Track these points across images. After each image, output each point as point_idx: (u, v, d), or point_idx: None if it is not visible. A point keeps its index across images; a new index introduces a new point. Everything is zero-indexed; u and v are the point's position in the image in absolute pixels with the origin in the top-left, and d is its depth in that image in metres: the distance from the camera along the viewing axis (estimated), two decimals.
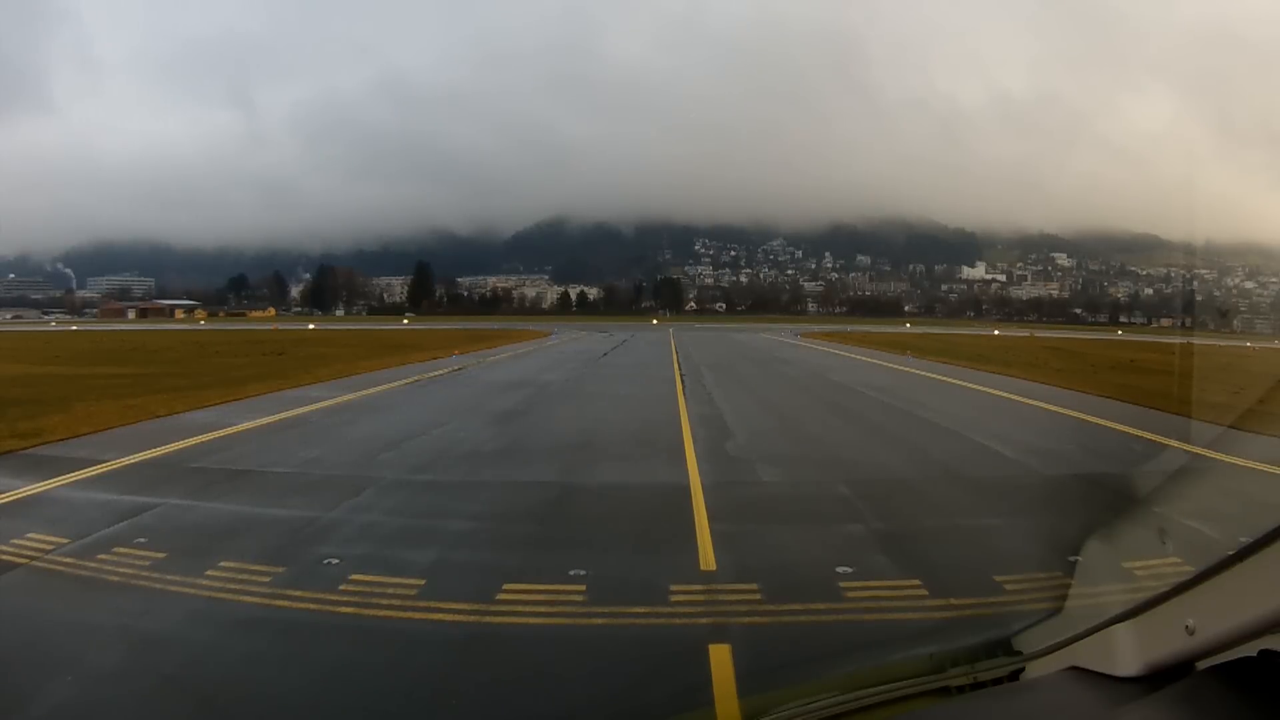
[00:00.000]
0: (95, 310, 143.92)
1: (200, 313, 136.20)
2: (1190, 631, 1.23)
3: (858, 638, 4.04)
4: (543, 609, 4.43)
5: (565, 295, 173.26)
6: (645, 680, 3.71)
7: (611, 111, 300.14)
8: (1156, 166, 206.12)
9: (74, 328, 74.57)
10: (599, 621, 4.27)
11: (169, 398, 14.04)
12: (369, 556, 5.35)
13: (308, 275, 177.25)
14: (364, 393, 15.76)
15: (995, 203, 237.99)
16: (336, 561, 5.21)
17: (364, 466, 8.43)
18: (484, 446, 9.80)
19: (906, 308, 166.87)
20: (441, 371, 21.57)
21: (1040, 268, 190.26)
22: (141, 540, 5.62)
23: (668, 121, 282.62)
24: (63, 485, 7.44)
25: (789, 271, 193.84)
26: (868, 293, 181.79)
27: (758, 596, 4.58)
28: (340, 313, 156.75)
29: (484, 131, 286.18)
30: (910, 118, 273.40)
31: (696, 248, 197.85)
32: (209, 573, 4.94)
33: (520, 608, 4.46)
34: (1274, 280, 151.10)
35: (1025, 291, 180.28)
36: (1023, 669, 1.64)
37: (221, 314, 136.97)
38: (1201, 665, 1.27)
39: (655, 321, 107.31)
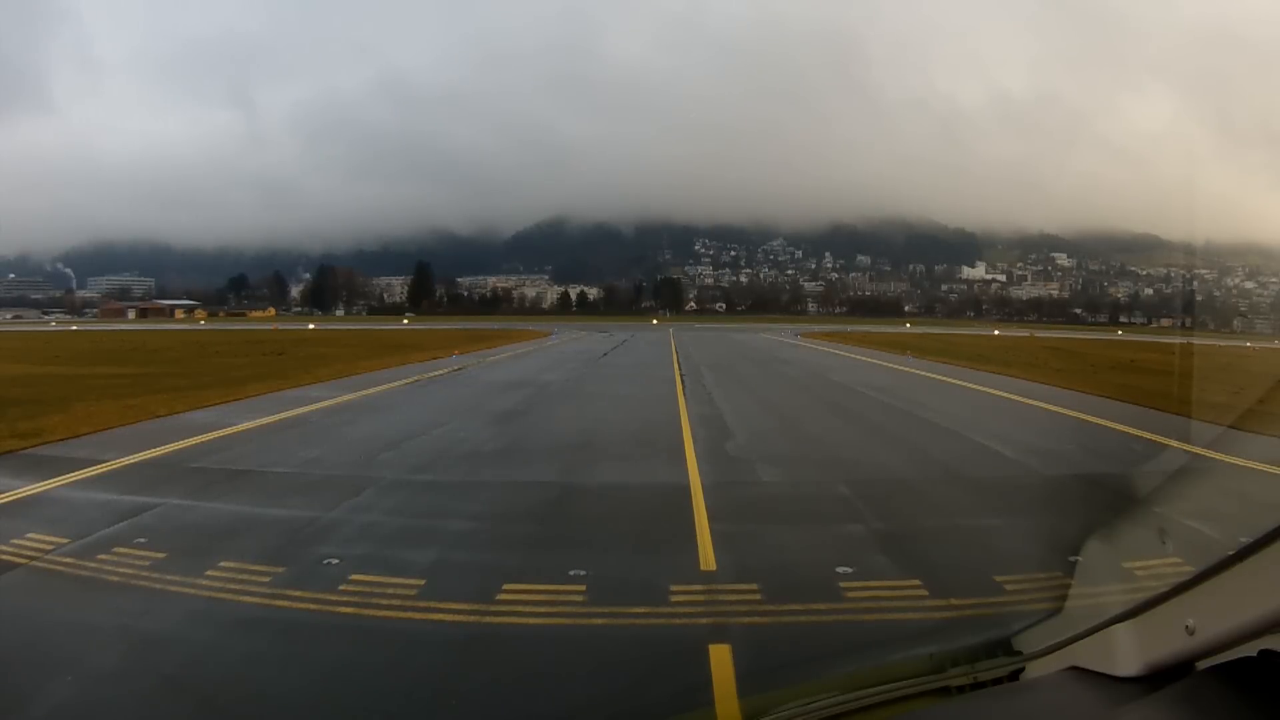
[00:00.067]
0: (95, 310, 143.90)
1: (200, 313, 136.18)
2: (1190, 631, 1.23)
3: (858, 638, 4.04)
4: (543, 609, 4.43)
5: (565, 295, 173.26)
6: (645, 680, 3.71)
7: (611, 111, 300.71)
8: (1156, 166, 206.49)
9: (74, 328, 74.58)
10: (599, 621, 4.27)
11: (169, 398, 14.04)
12: (369, 556, 5.35)
13: (308, 275, 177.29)
14: (364, 393, 15.76)
15: (995, 203, 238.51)
16: (336, 561, 5.21)
17: (364, 466, 8.43)
18: (484, 446, 9.79)
19: (906, 308, 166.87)
20: (441, 371, 21.56)
21: (1040, 268, 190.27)
22: (141, 540, 5.62)
23: (668, 121, 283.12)
24: (63, 485, 7.44)
25: (789, 271, 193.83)
26: (868, 293, 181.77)
27: (758, 596, 4.58)
28: (340, 313, 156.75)
29: (484, 131, 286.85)
30: (910, 118, 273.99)
31: (696, 248, 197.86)
32: (209, 573, 4.94)
33: (520, 608, 4.46)
34: (1274, 280, 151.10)
35: (1025, 291, 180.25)
36: (1023, 669, 1.64)
37: (221, 314, 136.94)
38: (1201, 665, 1.27)
39: (655, 321, 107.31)
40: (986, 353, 33.59)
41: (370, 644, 4.05)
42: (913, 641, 3.97)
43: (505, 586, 4.72)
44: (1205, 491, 6.24)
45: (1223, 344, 45.58)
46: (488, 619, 4.32)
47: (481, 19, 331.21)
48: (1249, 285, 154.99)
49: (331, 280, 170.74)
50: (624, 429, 11.36)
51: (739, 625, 4.21)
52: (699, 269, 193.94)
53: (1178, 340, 50.80)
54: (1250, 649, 1.19)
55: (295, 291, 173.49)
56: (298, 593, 4.65)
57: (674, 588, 4.70)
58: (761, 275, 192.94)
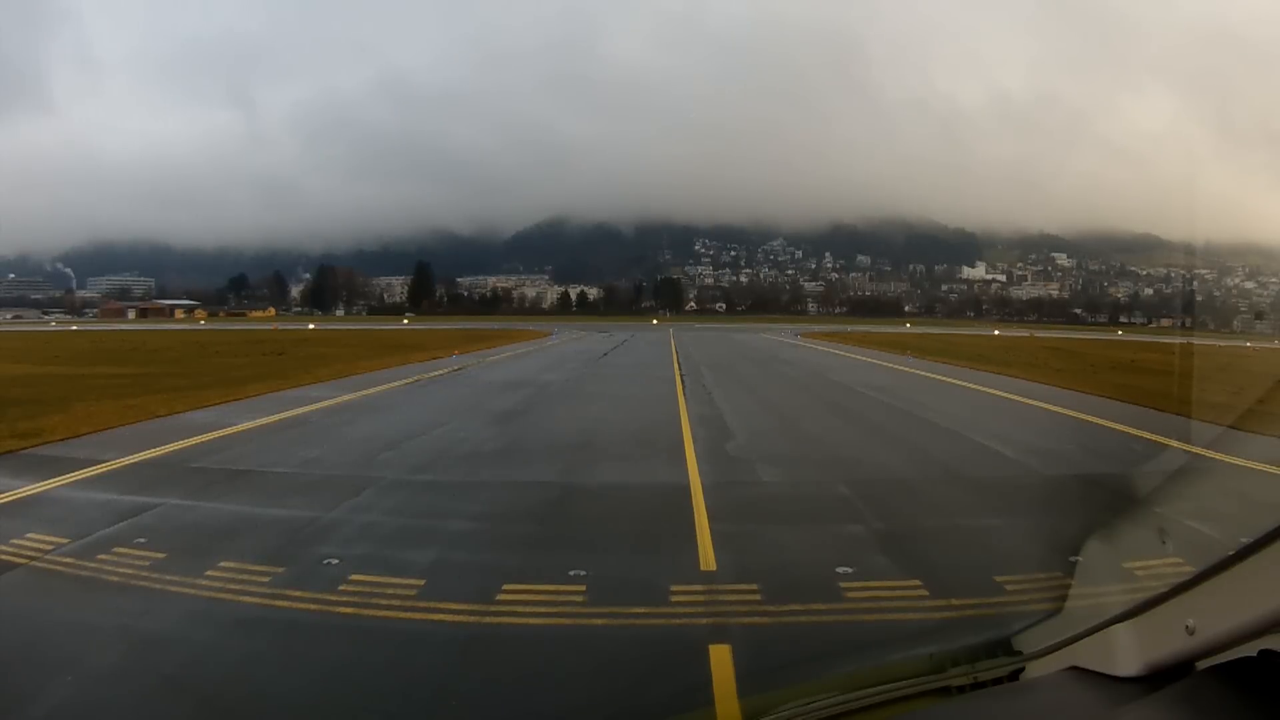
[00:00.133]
0: (95, 310, 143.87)
1: (200, 313, 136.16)
2: (1190, 631, 1.23)
3: (858, 638, 4.04)
4: (543, 609, 4.43)
5: (565, 295, 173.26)
6: (645, 680, 3.71)
7: (611, 111, 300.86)
8: (1156, 166, 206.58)
9: (74, 328, 74.57)
10: (599, 622, 4.26)
11: (169, 398, 14.04)
12: (369, 557, 5.35)
13: (308, 275, 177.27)
14: (364, 393, 15.76)
15: (995, 203, 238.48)
16: (336, 562, 5.21)
17: (364, 466, 8.43)
18: (484, 446, 9.79)
19: (906, 308, 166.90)
20: (441, 371, 21.56)
21: (1040, 268, 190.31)
22: (141, 540, 5.62)
23: (668, 121, 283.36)
24: (63, 485, 7.44)
25: (789, 271, 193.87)
26: (868, 293, 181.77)
27: (758, 597, 4.58)
28: (340, 313, 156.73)
29: (484, 131, 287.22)
30: (910, 118, 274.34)
31: (696, 248, 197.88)
32: (209, 573, 4.94)
33: (520, 608, 4.45)
34: (1274, 280, 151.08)
35: (1025, 291, 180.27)
36: (1023, 669, 1.64)
37: (221, 314, 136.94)
38: (1201, 665, 1.27)
39: (655, 321, 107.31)
40: (986, 353, 33.59)
41: (370, 644, 4.04)
42: (913, 641, 3.97)
43: (505, 587, 4.72)
44: (1205, 491, 6.24)
45: (1223, 344, 45.56)
46: (488, 619, 4.32)
47: (481, 19, 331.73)
48: (1249, 285, 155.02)
49: (331, 280, 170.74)
50: (624, 429, 11.35)
51: (739, 625, 4.21)
52: (699, 269, 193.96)
53: (1178, 340, 50.80)
54: (1250, 649, 1.19)
55: (295, 291, 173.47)
56: (297, 593, 4.65)
57: (674, 588, 4.70)
58: (761, 275, 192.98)
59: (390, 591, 4.67)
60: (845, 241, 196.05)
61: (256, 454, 9.17)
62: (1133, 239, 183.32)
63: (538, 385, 17.94)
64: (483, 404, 14.18)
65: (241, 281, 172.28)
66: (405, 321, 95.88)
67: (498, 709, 3.50)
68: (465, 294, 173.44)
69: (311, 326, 73.06)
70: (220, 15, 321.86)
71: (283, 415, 12.28)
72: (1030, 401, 15.15)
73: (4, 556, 5.28)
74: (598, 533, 6.19)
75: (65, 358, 27.59)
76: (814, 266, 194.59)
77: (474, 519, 6.50)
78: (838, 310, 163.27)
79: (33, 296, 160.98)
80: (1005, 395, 16.29)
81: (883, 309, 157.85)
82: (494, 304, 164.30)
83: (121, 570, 5.03)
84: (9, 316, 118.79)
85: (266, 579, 4.86)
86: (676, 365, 24.41)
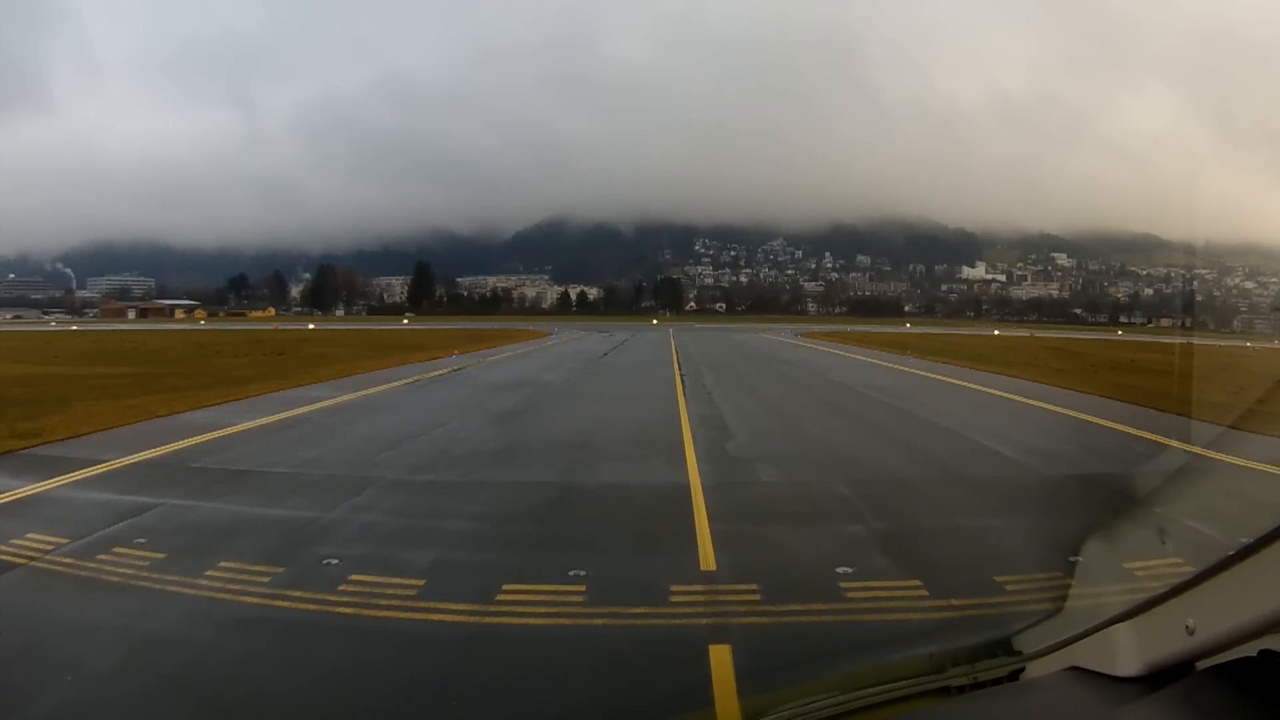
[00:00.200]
0: (95, 310, 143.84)
1: (200, 313, 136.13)
2: (1190, 631, 1.23)
3: (858, 638, 4.04)
4: (543, 609, 4.43)
5: (565, 295, 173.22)
6: (645, 680, 3.71)
7: (611, 111, 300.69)
8: (1156, 166, 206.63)
9: (74, 328, 74.56)
10: (599, 622, 4.26)
11: (169, 398, 14.04)
12: (369, 557, 5.35)
13: (308, 275, 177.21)
14: (364, 393, 15.76)
15: (995, 203, 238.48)
16: (336, 562, 5.21)
17: (364, 467, 8.43)
18: (484, 446, 9.79)
19: (906, 308, 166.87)
20: (441, 371, 21.57)
21: (1040, 268, 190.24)
22: (141, 540, 5.62)
23: (668, 121, 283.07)
24: (62, 485, 7.44)
25: (789, 271, 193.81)
26: (868, 293, 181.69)
27: (758, 597, 4.58)
28: (340, 313, 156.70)
29: (484, 131, 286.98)
30: (910, 118, 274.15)
31: (696, 248, 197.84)
32: (208, 573, 4.94)
33: (520, 608, 4.45)
34: (1274, 280, 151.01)
35: (1025, 291, 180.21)
36: (1023, 669, 1.64)
37: (221, 314, 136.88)
38: (1201, 665, 1.27)
39: (655, 321, 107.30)
40: (986, 353, 33.60)
41: (370, 644, 4.05)
42: (913, 641, 3.97)
43: (505, 587, 4.72)
44: (1205, 491, 6.25)
45: (1222, 344, 45.56)
46: (488, 619, 4.32)
47: (481, 19, 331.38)
48: (1249, 285, 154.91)
49: (331, 280, 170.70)
50: (624, 429, 11.36)
51: (739, 625, 4.21)
52: (699, 269, 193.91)
53: (1177, 340, 50.80)
54: (1250, 649, 1.19)
55: (295, 291, 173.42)
56: (297, 593, 4.65)
57: (674, 588, 4.70)
58: (761, 275, 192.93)
59: (390, 592, 4.67)
60: (845, 241, 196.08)
61: (256, 454, 9.17)
62: (1133, 239, 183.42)
63: (537, 385, 17.94)
64: (482, 404, 14.18)
65: (241, 281, 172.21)
66: (405, 321, 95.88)
67: (498, 709, 3.50)
68: (465, 294, 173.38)
69: (311, 326, 73.06)
70: (220, 15, 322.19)
71: (283, 415, 12.27)
72: (1030, 401, 15.15)
73: (4, 556, 5.28)
74: (598, 533, 6.19)
75: (65, 358, 27.59)
76: (814, 266, 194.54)
77: (474, 519, 6.50)
78: (838, 310, 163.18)
79: (33, 296, 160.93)
80: (1005, 395, 16.29)
81: (883, 309, 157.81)
82: (494, 304, 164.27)
83: (121, 570, 5.03)
84: (9, 316, 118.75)
85: (266, 579, 4.86)
86: (676, 365, 24.41)
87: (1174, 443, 9.61)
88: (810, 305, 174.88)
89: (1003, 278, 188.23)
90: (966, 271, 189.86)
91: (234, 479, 7.81)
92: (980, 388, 18.02)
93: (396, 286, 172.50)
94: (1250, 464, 7.76)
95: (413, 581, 4.82)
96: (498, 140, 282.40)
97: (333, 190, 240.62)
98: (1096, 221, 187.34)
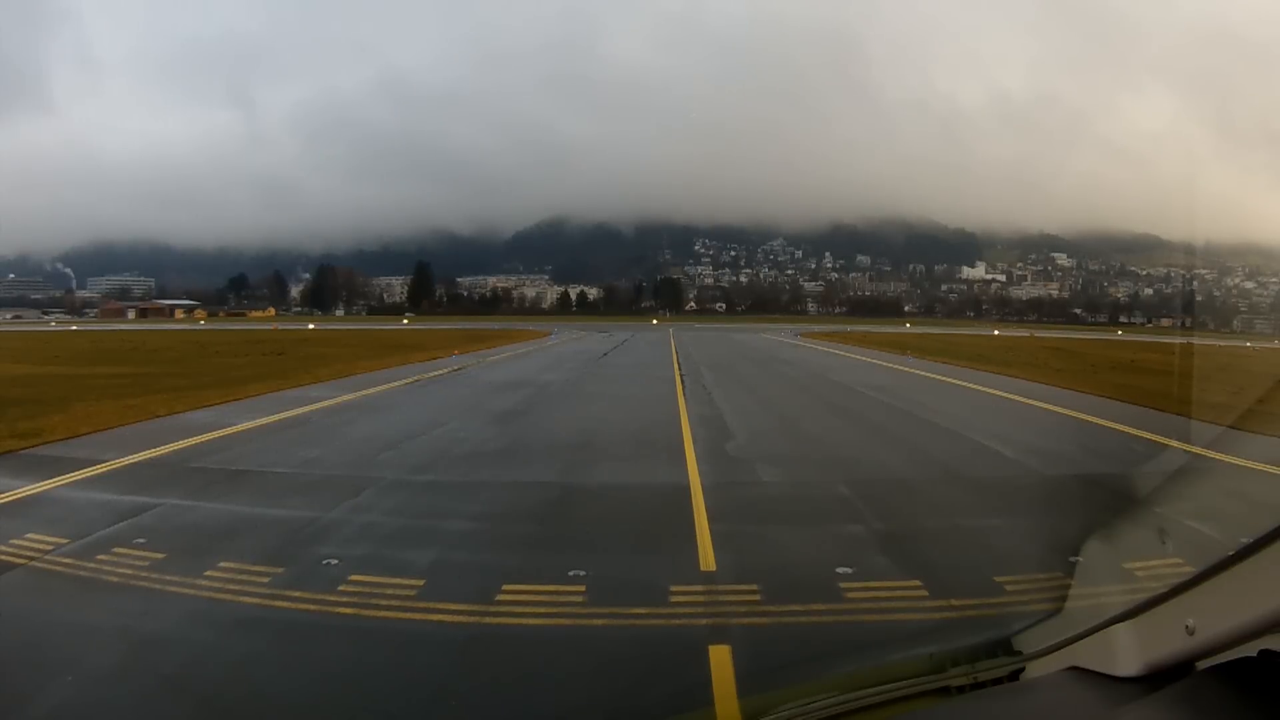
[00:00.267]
0: (95, 310, 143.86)
1: (200, 313, 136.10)
2: (1190, 631, 1.23)
3: (858, 638, 4.04)
4: (542, 609, 4.43)
5: (565, 295, 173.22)
6: (645, 680, 3.71)
7: (611, 111, 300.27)
8: (1156, 166, 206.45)
9: (74, 328, 74.56)
10: (599, 622, 4.26)
11: (169, 397, 14.04)
12: (368, 557, 5.35)
13: (308, 275, 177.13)
14: (364, 393, 15.76)
15: (995, 203, 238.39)
16: (336, 562, 5.21)
17: (364, 467, 8.43)
18: (484, 447, 9.79)
19: (906, 308, 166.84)
20: (441, 371, 21.57)
21: (1040, 268, 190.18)
22: (141, 541, 5.62)
23: (668, 121, 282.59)
24: (62, 485, 7.44)
25: (789, 271, 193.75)
26: (868, 293, 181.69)
27: (757, 597, 4.58)
28: (340, 313, 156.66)
29: (484, 131, 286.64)
30: (910, 118, 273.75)
31: (696, 248, 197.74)
32: (208, 573, 4.94)
33: (520, 608, 4.45)
34: (1274, 280, 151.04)
35: (1025, 291, 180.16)
36: (1023, 669, 1.64)
37: (221, 314, 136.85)
38: (1201, 665, 1.27)
39: (655, 321, 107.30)
40: (986, 353, 33.60)
41: (370, 644, 4.05)
42: (913, 641, 3.97)
43: (505, 587, 4.72)
44: (1205, 491, 6.24)
45: (1222, 344, 45.57)
46: (487, 619, 4.32)
47: (481, 19, 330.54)
48: (1249, 285, 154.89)
49: (331, 280, 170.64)
50: (624, 429, 11.36)
51: (739, 625, 4.21)
52: (699, 269, 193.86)
53: (1177, 340, 50.80)
54: (1250, 649, 1.19)
55: (295, 291, 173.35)
56: (297, 593, 4.65)
57: (674, 588, 4.70)
58: (761, 275, 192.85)
59: (390, 592, 4.67)
60: (845, 241, 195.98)
61: (256, 454, 9.17)
62: (1133, 239, 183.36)
63: (537, 385, 17.94)
64: (482, 404, 14.18)
65: (241, 281, 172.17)
66: (405, 321, 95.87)
67: (498, 709, 3.49)
68: (465, 294, 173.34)
69: (311, 326, 73.06)
70: (220, 15, 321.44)
71: (283, 415, 12.27)
72: (1030, 401, 15.15)
73: (4, 557, 5.28)
74: (598, 533, 6.19)
75: (65, 358, 27.59)
76: (814, 266, 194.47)
77: (474, 519, 6.50)
78: (838, 310, 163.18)
79: (33, 296, 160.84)
80: (1005, 395, 16.29)
81: (882, 309, 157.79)
82: (494, 304, 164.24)
83: (121, 570, 5.03)
84: (9, 316, 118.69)
85: (266, 579, 4.86)
86: (676, 365, 24.41)
87: (1174, 443, 9.61)
88: (810, 305, 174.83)
89: (1003, 278, 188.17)
90: (966, 271, 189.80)
91: (234, 479, 7.81)
92: (980, 388, 18.02)
93: (396, 286, 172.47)
94: (1250, 464, 7.77)
95: (412, 582, 4.81)
96: (498, 140, 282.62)
97: (333, 190, 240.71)
98: (1096, 221, 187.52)
